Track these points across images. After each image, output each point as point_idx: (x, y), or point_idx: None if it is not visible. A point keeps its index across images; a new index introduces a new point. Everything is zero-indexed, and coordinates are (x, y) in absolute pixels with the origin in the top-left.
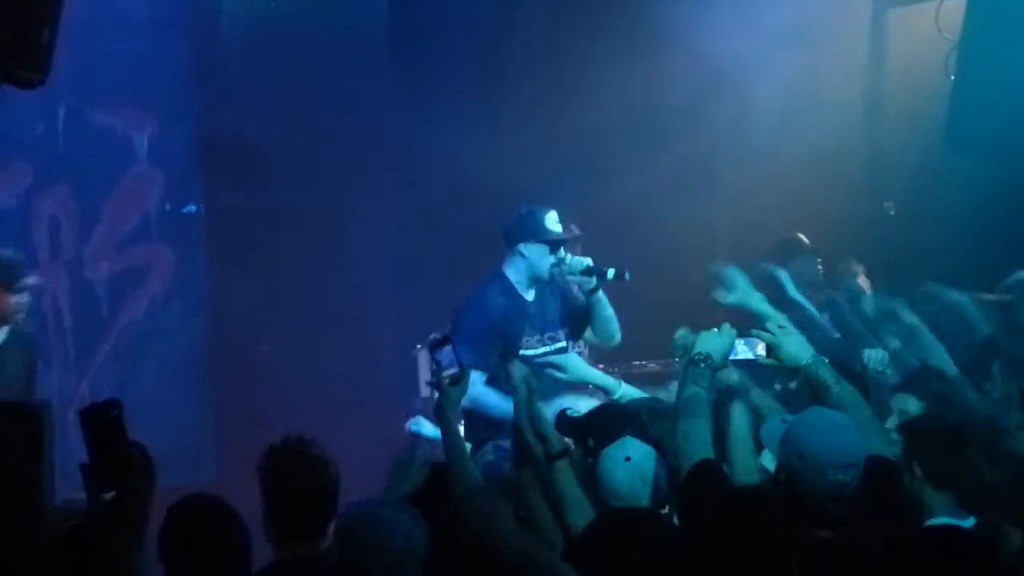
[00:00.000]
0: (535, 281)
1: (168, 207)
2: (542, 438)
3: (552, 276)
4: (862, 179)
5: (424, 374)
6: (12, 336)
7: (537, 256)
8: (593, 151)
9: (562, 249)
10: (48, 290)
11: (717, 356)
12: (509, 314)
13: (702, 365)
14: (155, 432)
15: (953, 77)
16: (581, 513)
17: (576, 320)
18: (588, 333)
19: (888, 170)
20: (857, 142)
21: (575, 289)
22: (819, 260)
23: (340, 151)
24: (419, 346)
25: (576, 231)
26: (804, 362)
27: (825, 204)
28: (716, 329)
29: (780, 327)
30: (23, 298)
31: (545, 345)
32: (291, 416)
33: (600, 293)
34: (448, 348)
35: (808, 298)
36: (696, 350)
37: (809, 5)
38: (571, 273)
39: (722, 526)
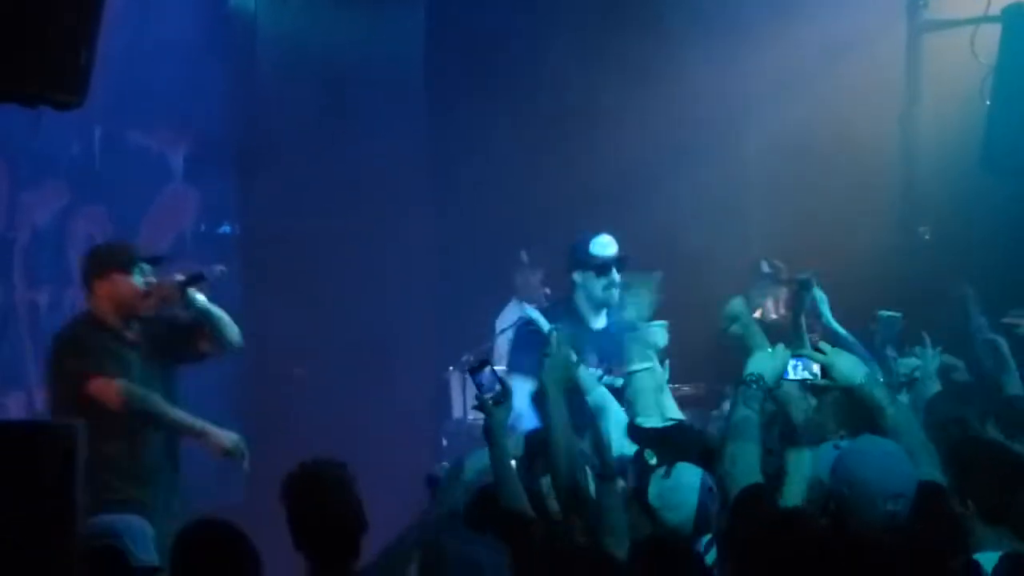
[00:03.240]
0: (598, 307)
1: (203, 227)
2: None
3: (609, 302)
4: (897, 204)
5: (456, 396)
6: (145, 326)
7: (588, 283)
8: (623, 177)
9: (614, 271)
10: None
11: (769, 377)
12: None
13: (754, 386)
14: (187, 453)
15: (989, 102)
16: (622, 540)
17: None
18: None
19: (923, 195)
20: (892, 167)
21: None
22: (780, 291)
23: (374, 173)
24: (451, 368)
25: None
26: (858, 382)
27: (859, 229)
28: (769, 349)
29: (833, 346)
30: (153, 279)
31: (606, 376)
32: (324, 438)
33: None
34: (488, 370)
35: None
36: (748, 371)
37: (842, 31)
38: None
39: (768, 552)
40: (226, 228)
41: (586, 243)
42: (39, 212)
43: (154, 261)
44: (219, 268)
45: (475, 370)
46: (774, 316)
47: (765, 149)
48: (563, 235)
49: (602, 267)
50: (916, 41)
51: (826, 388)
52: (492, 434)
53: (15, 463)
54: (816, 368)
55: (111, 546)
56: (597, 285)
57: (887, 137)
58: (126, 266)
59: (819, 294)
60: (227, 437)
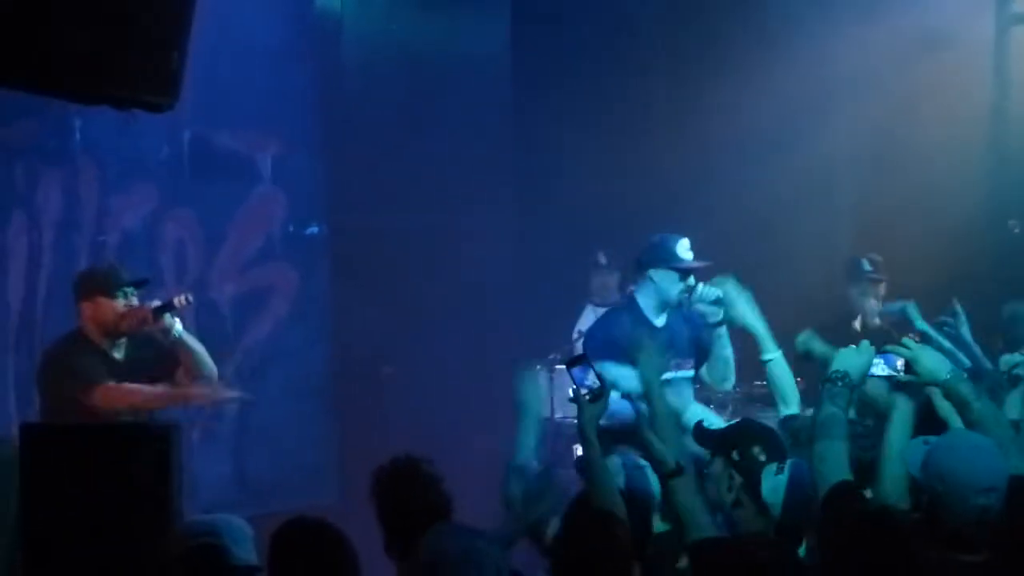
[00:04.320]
0: (665, 306)
1: (291, 228)
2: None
3: (681, 303)
4: (986, 197)
5: (544, 392)
6: (133, 350)
7: (666, 282)
8: (710, 166)
9: (692, 278)
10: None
11: (855, 374)
12: (633, 334)
13: (839, 384)
14: (278, 452)
15: None
16: (701, 531)
17: (703, 351)
18: (703, 371)
19: (1013, 186)
20: (981, 158)
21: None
22: (879, 291)
23: (460, 173)
24: (537, 367)
25: (705, 262)
26: (943, 378)
27: (947, 220)
28: (854, 346)
29: (917, 342)
30: (134, 302)
31: (672, 371)
32: (414, 436)
33: (724, 329)
34: (585, 365)
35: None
36: (833, 368)
37: (931, 23)
38: (700, 301)
39: (858, 549)
40: (314, 228)
41: (673, 243)
42: (128, 215)
43: (138, 284)
44: (187, 296)
45: (572, 364)
46: (878, 321)
47: (853, 142)
48: (646, 235)
49: (685, 271)
50: (1005, 34)
51: (910, 384)
52: (584, 430)
53: (113, 463)
54: (900, 364)
55: (210, 544)
56: (676, 287)
57: (976, 130)
58: (109, 290)
59: (910, 309)
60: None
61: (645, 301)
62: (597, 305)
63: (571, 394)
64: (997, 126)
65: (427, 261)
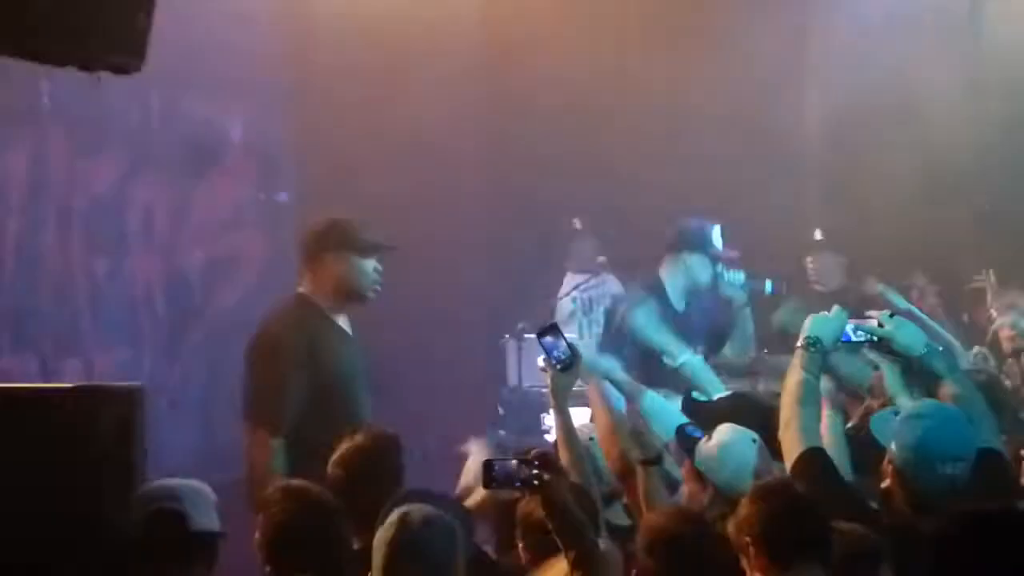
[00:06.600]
0: (691, 291)
1: (261, 195)
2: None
3: (708, 288)
4: (960, 172)
5: (512, 364)
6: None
7: (699, 267)
8: (683, 145)
9: (720, 264)
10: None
11: (828, 340)
12: (655, 321)
13: (812, 349)
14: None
15: None
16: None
17: (717, 337)
18: (726, 349)
19: (989, 164)
20: (956, 135)
21: (724, 306)
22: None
23: (431, 142)
24: (506, 336)
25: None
26: (918, 353)
27: (922, 200)
28: (827, 312)
29: (892, 316)
30: (358, 265)
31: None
32: (381, 405)
33: (748, 309)
34: (556, 335)
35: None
36: (806, 334)
37: None
38: (730, 286)
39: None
40: (283, 196)
41: (710, 230)
42: (97, 180)
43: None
44: None
45: (543, 334)
46: (834, 286)
47: (827, 117)
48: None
49: (718, 258)
50: (980, 6)
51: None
52: (555, 399)
53: (74, 426)
54: (874, 323)
55: (170, 509)
56: (707, 272)
57: (951, 104)
58: (341, 245)
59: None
60: None
61: (672, 283)
62: (575, 272)
63: (541, 364)
64: (972, 100)
65: (397, 230)
